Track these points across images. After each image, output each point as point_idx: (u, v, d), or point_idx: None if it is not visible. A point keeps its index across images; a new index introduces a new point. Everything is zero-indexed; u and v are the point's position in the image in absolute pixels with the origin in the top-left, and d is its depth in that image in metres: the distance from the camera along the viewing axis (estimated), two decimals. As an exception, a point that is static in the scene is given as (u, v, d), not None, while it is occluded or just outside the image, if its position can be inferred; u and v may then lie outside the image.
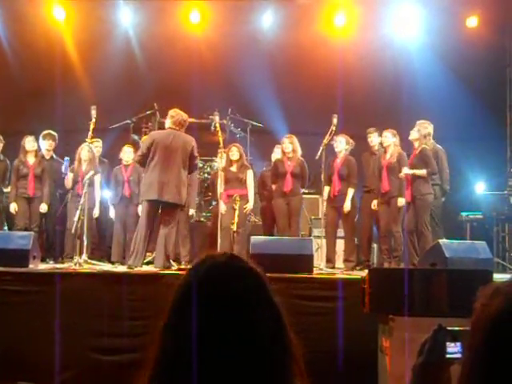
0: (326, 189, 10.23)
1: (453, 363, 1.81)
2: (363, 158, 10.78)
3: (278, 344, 1.46)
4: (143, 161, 9.00)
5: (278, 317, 1.51)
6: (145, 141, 9.44)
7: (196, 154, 8.98)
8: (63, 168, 10.11)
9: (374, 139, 10.61)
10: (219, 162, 10.83)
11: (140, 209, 10.01)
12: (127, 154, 10.69)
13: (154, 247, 9.32)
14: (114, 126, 12.00)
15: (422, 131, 9.88)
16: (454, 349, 1.83)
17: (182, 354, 1.43)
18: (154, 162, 8.74)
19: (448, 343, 1.82)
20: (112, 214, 10.73)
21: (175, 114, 9.07)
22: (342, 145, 10.22)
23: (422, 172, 9.56)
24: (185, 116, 9.08)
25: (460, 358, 1.80)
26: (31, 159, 10.48)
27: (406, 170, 9.59)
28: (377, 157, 10.31)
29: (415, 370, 1.81)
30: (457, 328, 1.85)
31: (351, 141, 10.37)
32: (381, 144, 10.30)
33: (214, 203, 11.35)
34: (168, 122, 9.14)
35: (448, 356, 1.81)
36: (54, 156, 10.86)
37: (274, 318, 1.50)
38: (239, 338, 1.44)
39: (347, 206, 10.02)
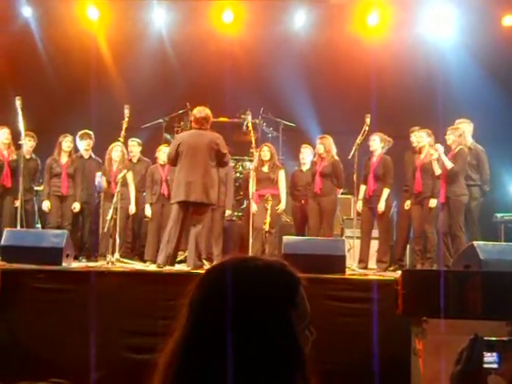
0: (362, 188, 10.19)
1: (490, 373, 1.79)
2: (406, 157, 10.62)
3: (289, 358, 1.46)
4: (173, 162, 9.11)
5: (292, 333, 1.51)
6: (172, 142, 9.48)
7: (224, 150, 8.91)
8: (96, 182, 10.24)
9: (414, 138, 10.49)
10: (253, 162, 10.84)
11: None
12: (164, 154, 10.74)
13: (186, 246, 9.38)
14: (146, 126, 12.07)
15: (455, 132, 9.76)
16: (490, 358, 1.81)
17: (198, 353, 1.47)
18: (180, 163, 8.82)
19: (485, 353, 1.80)
20: (148, 212, 10.78)
21: (197, 112, 9.09)
22: (376, 143, 10.12)
23: (448, 163, 9.43)
24: (204, 113, 9.03)
25: (497, 368, 1.78)
26: (64, 158, 10.59)
27: (440, 147, 9.47)
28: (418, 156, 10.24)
29: (453, 378, 1.79)
30: (493, 338, 1.83)
31: (388, 139, 10.25)
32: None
33: (245, 203, 11.36)
34: (192, 122, 9.20)
35: (485, 366, 1.80)
36: (93, 155, 10.95)
37: (289, 333, 1.49)
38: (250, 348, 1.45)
39: (381, 207, 9.94)
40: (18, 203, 9.88)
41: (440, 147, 9.51)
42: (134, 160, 11.07)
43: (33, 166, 10.77)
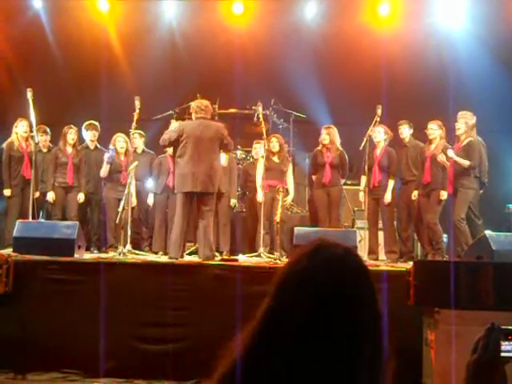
0: (363, 179, 10.21)
1: (507, 362, 1.78)
2: (396, 150, 10.58)
3: (373, 349, 1.45)
4: (169, 145, 9.39)
5: (378, 320, 1.50)
6: (175, 128, 9.42)
7: (227, 141, 9.02)
8: (107, 156, 10.21)
9: (404, 131, 10.46)
10: (258, 151, 10.81)
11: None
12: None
13: (194, 237, 9.39)
14: (157, 117, 12.07)
15: (469, 122, 9.72)
16: (508, 347, 1.80)
17: (279, 338, 1.43)
18: (186, 154, 8.81)
19: (502, 342, 1.79)
20: (151, 201, 10.79)
21: (198, 102, 9.20)
22: (380, 135, 10.17)
23: (465, 162, 9.44)
24: (205, 102, 9.15)
25: None
26: (70, 149, 10.54)
27: (451, 153, 9.47)
28: (407, 149, 10.34)
29: (469, 367, 1.78)
30: (511, 327, 1.81)
31: (390, 132, 10.27)
32: (410, 135, 10.33)
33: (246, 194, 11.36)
34: (196, 112, 9.18)
35: (502, 355, 1.78)
36: (99, 146, 10.96)
37: (375, 321, 1.49)
38: (340, 336, 1.43)
39: (388, 198, 9.98)
40: (36, 195, 9.93)
41: (451, 152, 9.50)
42: (139, 151, 11.06)
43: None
